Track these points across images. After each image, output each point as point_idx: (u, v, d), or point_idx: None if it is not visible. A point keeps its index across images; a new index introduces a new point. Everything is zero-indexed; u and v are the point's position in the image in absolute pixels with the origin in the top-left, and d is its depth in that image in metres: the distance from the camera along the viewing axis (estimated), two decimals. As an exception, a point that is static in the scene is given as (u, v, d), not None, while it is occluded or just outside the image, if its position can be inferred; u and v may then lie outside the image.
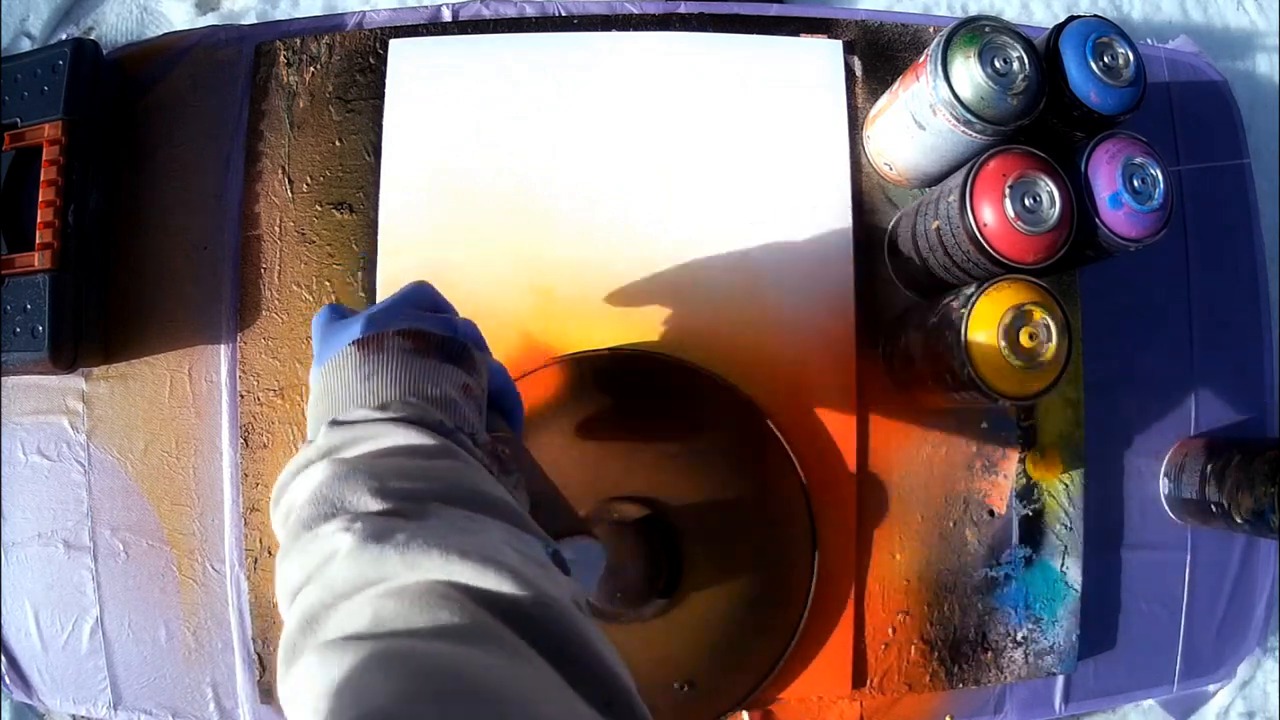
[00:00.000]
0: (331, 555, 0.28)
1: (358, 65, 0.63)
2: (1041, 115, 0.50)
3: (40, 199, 0.56)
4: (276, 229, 0.61)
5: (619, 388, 0.58)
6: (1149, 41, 0.72)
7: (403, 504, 0.30)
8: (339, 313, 0.42)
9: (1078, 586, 0.61)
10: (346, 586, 0.27)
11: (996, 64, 0.49)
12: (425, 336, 0.38)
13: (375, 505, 0.30)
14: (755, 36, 0.63)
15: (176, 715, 0.60)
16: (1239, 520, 0.58)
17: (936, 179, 0.58)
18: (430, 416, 0.35)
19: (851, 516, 0.59)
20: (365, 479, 0.31)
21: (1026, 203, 0.49)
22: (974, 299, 0.48)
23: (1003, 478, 0.61)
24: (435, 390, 0.37)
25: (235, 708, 0.59)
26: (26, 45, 0.91)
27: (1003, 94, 0.49)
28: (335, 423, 0.34)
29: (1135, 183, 0.49)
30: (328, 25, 0.64)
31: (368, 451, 0.33)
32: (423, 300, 0.43)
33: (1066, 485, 0.61)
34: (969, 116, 0.49)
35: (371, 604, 0.26)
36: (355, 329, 0.38)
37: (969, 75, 0.49)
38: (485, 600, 0.26)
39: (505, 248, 0.60)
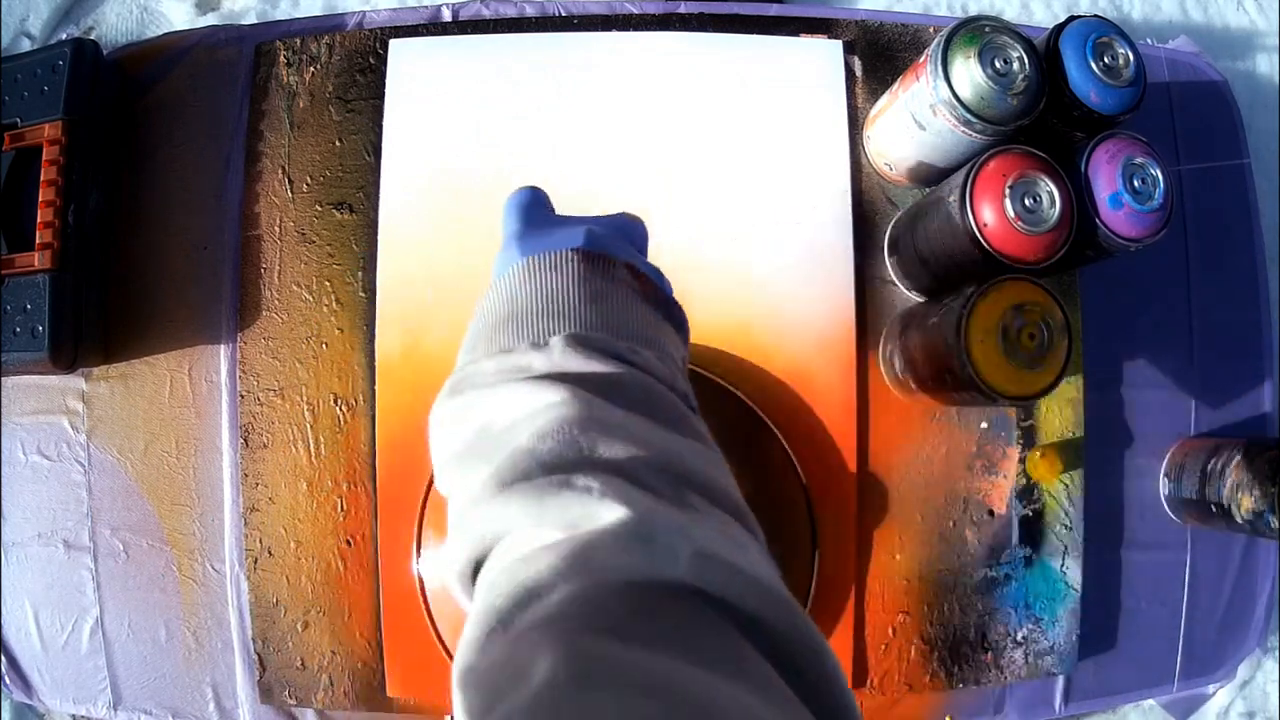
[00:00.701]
0: (591, 519, 0.24)
1: (358, 65, 0.63)
2: (1041, 115, 0.50)
3: (40, 199, 0.56)
4: (276, 229, 0.61)
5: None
6: (1149, 41, 0.72)
7: (665, 486, 0.25)
8: (545, 204, 0.36)
9: (1078, 586, 0.61)
10: (611, 566, 0.23)
11: (996, 64, 0.49)
12: (653, 286, 0.33)
13: (632, 472, 0.25)
14: (755, 36, 0.63)
15: (176, 715, 0.60)
16: (1239, 520, 0.58)
17: (936, 179, 0.58)
18: (677, 382, 0.30)
19: (851, 516, 0.59)
20: (624, 437, 0.26)
21: (1026, 203, 0.49)
22: (974, 299, 0.48)
23: (1003, 478, 0.61)
24: (673, 351, 0.32)
25: (235, 708, 0.59)
26: (26, 45, 0.91)
27: (1003, 94, 0.49)
28: (577, 338, 0.28)
29: (1135, 183, 0.49)
30: (328, 25, 0.64)
31: (616, 395, 0.27)
32: (638, 238, 0.37)
33: (1066, 485, 0.61)
34: (969, 116, 0.49)
35: (642, 601, 0.22)
36: (577, 235, 0.32)
37: (969, 75, 0.49)
38: (750, 625, 0.22)
39: (505, 248, 0.60)
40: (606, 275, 0.31)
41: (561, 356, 0.28)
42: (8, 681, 0.61)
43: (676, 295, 0.35)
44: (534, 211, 0.35)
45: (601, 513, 0.24)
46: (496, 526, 0.25)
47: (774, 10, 0.65)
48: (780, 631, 0.22)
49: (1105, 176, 0.50)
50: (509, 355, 0.28)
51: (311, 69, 0.63)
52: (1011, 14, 0.96)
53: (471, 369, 0.29)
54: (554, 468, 0.25)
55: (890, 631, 0.60)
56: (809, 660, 0.22)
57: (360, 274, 0.61)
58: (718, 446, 0.30)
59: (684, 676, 0.20)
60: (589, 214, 0.37)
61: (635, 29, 0.63)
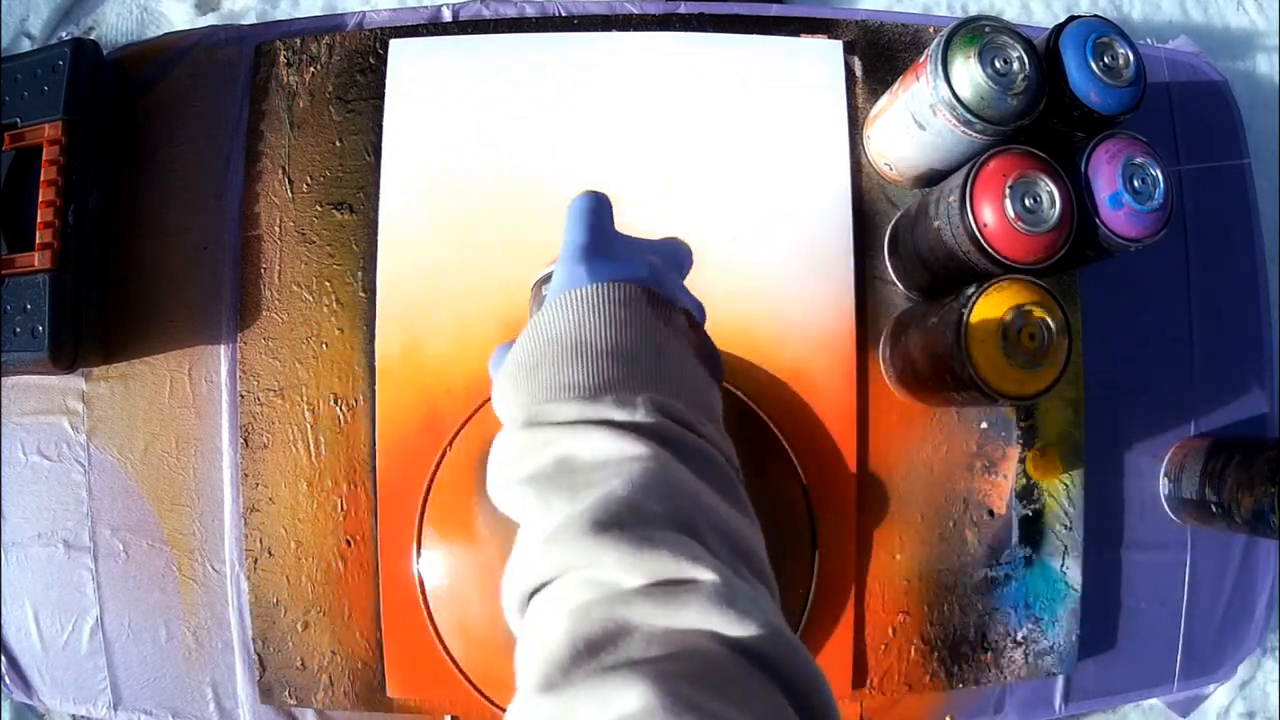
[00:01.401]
0: (681, 575, 0.26)
1: (358, 65, 0.63)
2: (1041, 115, 0.50)
3: (40, 199, 0.56)
4: (276, 229, 0.61)
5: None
6: (1149, 41, 0.72)
7: (730, 558, 0.28)
8: (610, 214, 0.35)
9: (1078, 586, 0.61)
10: (698, 622, 0.25)
11: (996, 64, 0.49)
12: (702, 338, 0.34)
13: (708, 539, 0.28)
14: (755, 36, 0.63)
15: (176, 715, 0.60)
16: (1239, 520, 0.58)
17: (936, 179, 0.58)
18: (732, 456, 0.32)
19: (851, 516, 0.59)
20: (699, 505, 0.28)
21: (1026, 203, 0.49)
22: (974, 299, 0.48)
23: (1003, 478, 0.61)
24: (720, 415, 0.33)
25: (235, 708, 0.59)
26: (26, 45, 0.92)
27: (1003, 94, 0.49)
28: (657, 403, 0.29)
29: (1135, 183, 0.49)
30: (328, 25, 0.64)
31: (691, 463, 0.29)
32: (685, 266, 0.37)
33: (1066, 485, 0.61)
34: (969, 116, 0.49)
35: (720, 658, 0.24)
36: (642, 267, 0.33)
37: (969, 75, 0.49)
38: (795, 693, 0.25)
39: (505, 248, 0.60)
40: (669, 322, 0.32)
41: (645, 416, 0.29)
42: (8, 681, 0.61)
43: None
44: (600, 223, 0.35)
45: (693, 572, 0.26)
46: (581, 561, 0.26)
47: (774, 10, 0.65)
48: (817, 699, 0.25)
49: (1105, 176, 0.50)
50: (591, 405, 0.29)
51: (311, 69, 0.63)
52: (1011, 14, 0.96)
53: (549, 408, 0.30)
54: (646, 521, 0.27)
55: (890, 631, 0.60)
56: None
57: (360, 274, 0.61)
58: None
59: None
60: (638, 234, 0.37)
61: (635, 29, 0.63)
